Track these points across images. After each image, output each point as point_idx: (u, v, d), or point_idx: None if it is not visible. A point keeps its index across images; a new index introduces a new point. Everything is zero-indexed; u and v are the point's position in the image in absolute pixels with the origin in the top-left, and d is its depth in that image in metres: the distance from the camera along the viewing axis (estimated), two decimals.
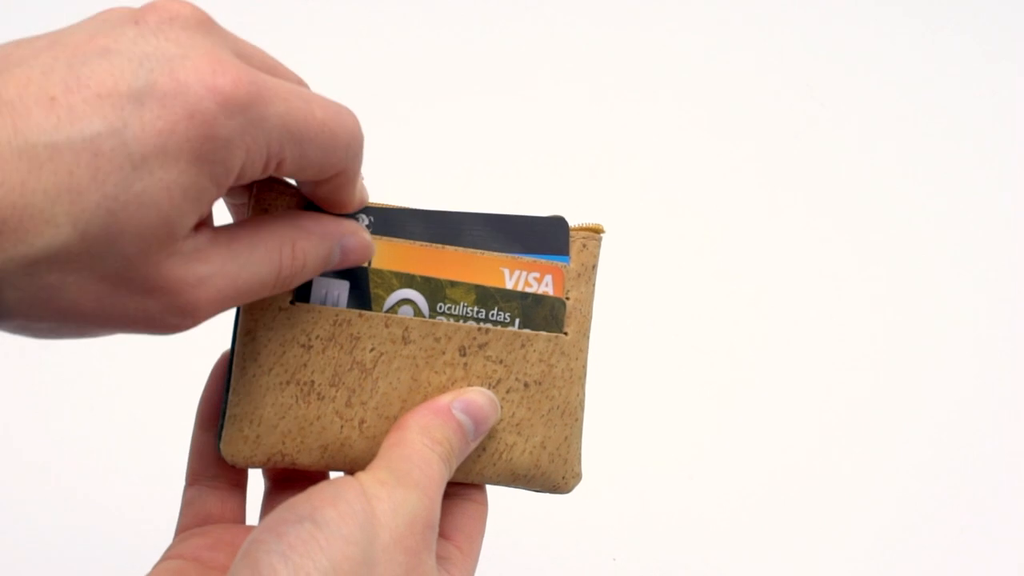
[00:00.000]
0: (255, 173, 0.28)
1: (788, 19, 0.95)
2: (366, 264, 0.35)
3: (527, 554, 0.65)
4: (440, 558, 0.35)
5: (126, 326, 0.27)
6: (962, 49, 0.94)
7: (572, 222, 0.40)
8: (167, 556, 0.35)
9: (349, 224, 0.34)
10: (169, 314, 0.27)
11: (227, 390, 0.35)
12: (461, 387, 0.36)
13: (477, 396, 0.36)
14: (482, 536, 0.39)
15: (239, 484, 0.39)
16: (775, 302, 0.79)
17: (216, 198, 0.27)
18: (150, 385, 0.67)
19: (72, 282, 0.25)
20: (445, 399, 0.35)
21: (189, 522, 0.38)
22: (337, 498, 0.30)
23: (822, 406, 0.74)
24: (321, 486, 0.31)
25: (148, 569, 0.34)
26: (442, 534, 0.36)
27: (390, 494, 0.31)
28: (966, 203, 0.86)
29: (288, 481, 0.40)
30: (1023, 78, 0.93)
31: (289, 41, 0.85)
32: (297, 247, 0.31)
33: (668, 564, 0.65)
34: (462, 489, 0.38)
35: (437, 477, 0.33)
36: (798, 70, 0.92)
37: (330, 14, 0.90)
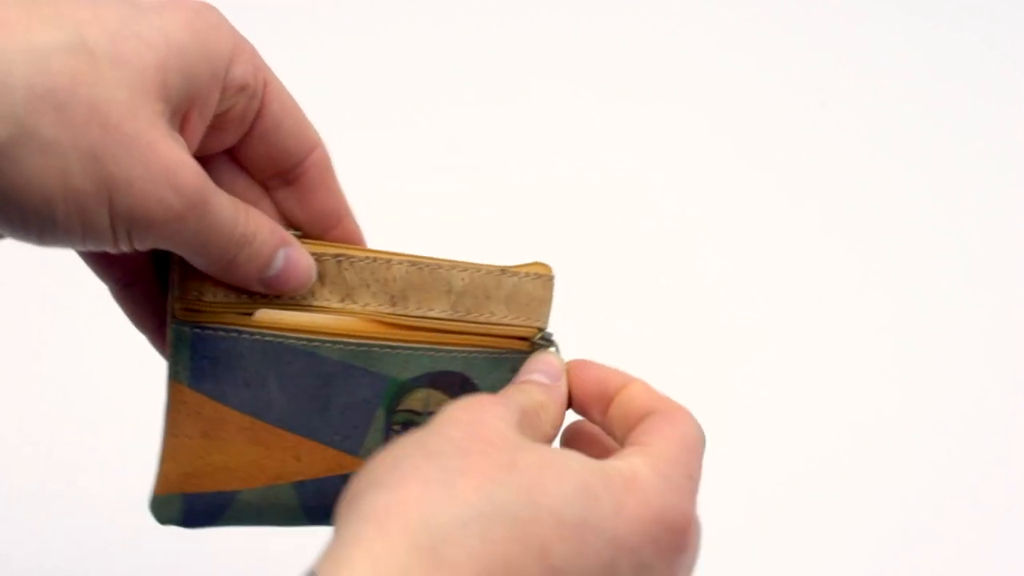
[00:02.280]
0: (245, 79, 0.31)
1: (790, 22, 0.95)
2: (298, 296, 0.34)
3: None
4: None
5: (123, 195, 0.27)
6: (965, 52, 0.94)
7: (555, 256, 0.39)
8: None
9: (291, 236, 0.33)
10: (164, 183, 0.28)
11: None
12: None
13: (540, 360, 0.37)
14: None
15: None
16: (774, 303, 0.79)
17: (207, 92, 0.29)
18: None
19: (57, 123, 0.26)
20: (520, 377, 0.36)
21: None
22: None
23: (822, 407, 0.74)
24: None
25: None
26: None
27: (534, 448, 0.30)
28: (968, 205, 0.86)
29: None
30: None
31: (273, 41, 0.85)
32: (251, 216, 0.32)
33: None
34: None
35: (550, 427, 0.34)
36: (802, 73, 0.92)
37: (320, 14, 0.91)
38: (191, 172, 0.28)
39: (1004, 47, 0.94)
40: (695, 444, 0.33)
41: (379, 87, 0.87)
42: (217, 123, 0.31)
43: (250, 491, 0.34)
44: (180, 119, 0.29)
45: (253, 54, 0.31)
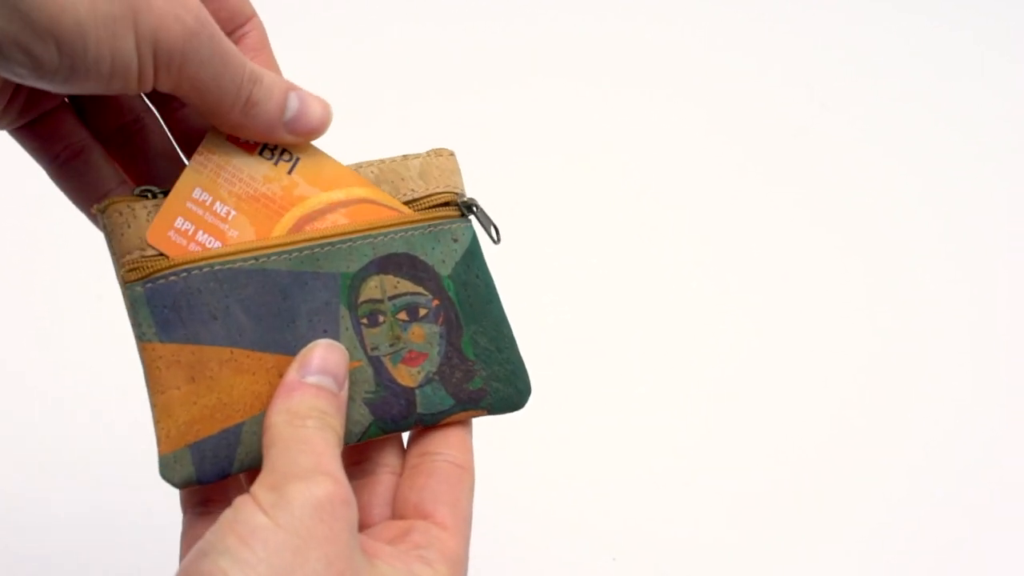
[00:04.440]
0: None
1: (787, 20, 0.95)
2: (290, 171, 0.36)
3: (527, 554, 0.65)
4: (417, 546, 0.33)
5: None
6: (963, 50, 0.94)
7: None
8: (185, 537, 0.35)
9: (304, 88, 0.35)
10: (172, 1, 0.29)
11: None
12: None
13: (317, 350, 0.34)
14: (470, 504, 0.36)
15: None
16: (774, 301, 0.79)
17: None
18: None
19: None
20: (290, 376, 0.34)
21: (184, 552, 0.36)
22: (235, 522, 0.29)
23: (822, 405, 0.74)
24: (223, 514, 0.30)
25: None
26: (417, 514, 0.35)
27: (282, 496, 0.30)
28: (966, 205, 0.86)
29: (206, 508, 0.37)
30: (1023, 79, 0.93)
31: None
32: (249, 66, 0.33)
33: (668, 564, 0.65)
34: (427, 447, 0.37)
35: (323, 449, 0.31)
36: (798, 71, 0.92)
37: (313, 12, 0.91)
38: (196, 19, 0.30)
39: (1004, 47, 0.94)
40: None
41: (376, 84, 0.87)
42: None
43: (253, 419, 0.34)
44: None
45: None
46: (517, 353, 0.39)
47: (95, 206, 0.35)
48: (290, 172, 0.37)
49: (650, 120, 0.88)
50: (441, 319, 0.38)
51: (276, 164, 0.36)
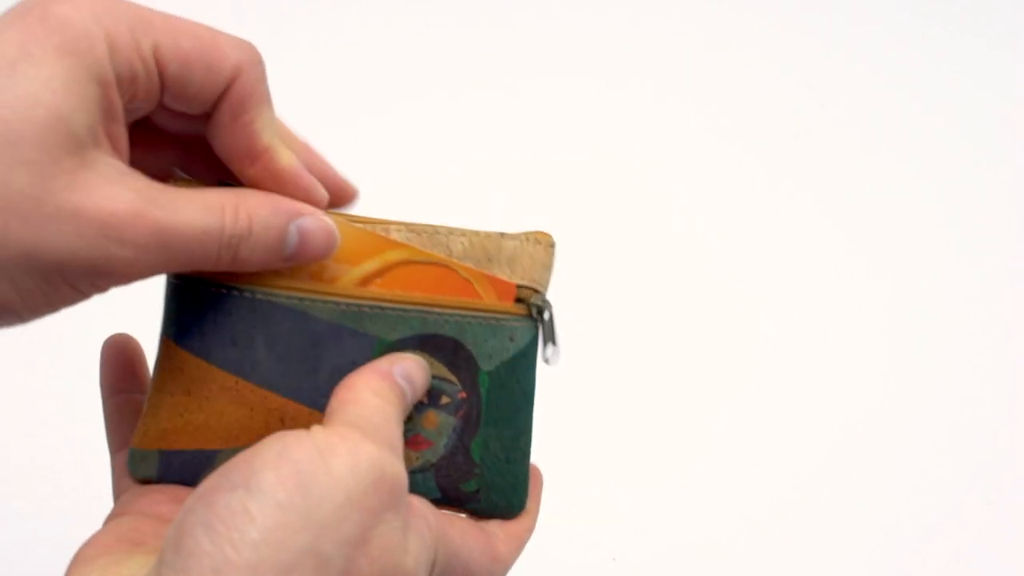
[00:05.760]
0: (134, 67, 0.28)
1: (788, 19, 0.95)
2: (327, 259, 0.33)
3: (526, 553, 0.65)
4: (488, 532, 0.34)
5: (71, 261, 0.26)
6: (963, 49, 0.94)
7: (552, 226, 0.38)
8: (115, 514, 0.33)
9: (305, 206, 0.32)
10: (106, 242, 0.26)
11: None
12: None
13: (411, 362, 0.34)
14: (539, 495, 0.37)
15: None
16: (774, 303, 0.79)
17: (109, 103, 0.27)
18: None
19: None
20: (382, 364, 0.33)
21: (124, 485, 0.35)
22: (280, 459, 0.27)
23: (821, 406, 0.74)
24: (266, 443, 0.28)
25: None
26: None
27: (352, 449, 0.28)
28: (966, 204, 0.86)
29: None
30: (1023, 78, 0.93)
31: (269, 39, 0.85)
32: (242, 208, 0.30)
33: (668, 564, 0.65)
34: None
35: (397, 438, 0.31)
36: (799, 71, 0.92)
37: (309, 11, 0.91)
38: (129, 209, 0.27)
39: (1004, 47, 0.94)
40: None
41: (373, 80, 0.87)
42: (129, 111, 0.30)
43: (231, 451, 0.33)
44: (103, 139, 0.28)
45: (127, 31, 0.28)
46: (525, 468, 0.37)
47: (175, 173, 0.33)
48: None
49: (649, 121, 0.88)
50: (461, 413, 0.36)
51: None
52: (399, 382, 0.33)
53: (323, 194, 0.33)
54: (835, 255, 0.82)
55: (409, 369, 0.34)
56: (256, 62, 0.31)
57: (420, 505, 0.32)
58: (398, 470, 0.29)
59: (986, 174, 0.87)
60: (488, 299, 0.35)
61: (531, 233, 0.36)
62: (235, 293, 0.33)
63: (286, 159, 0.32)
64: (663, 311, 0.77)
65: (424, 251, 0.35)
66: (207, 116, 0.31)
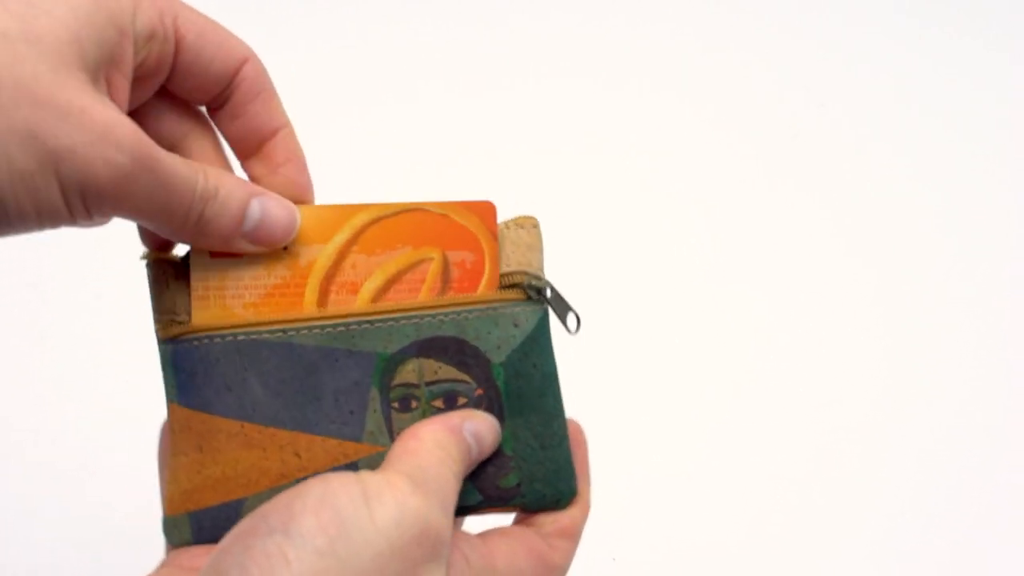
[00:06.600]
0: (154, 26, 0.30)
1: (786, 19, 0.95)
2: (285, 247, 0.34)
3: None
4: (539, 540, 0.35)
5: (64, 152, 0.27)
6: (962, 50, 0.94)
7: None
8: (161, 565, 0.34)
9: (271, 192, 0.33)
10: (104, 144, 0.27)
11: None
12: None
13: (483, 421, 0.34)
14: (587, 470, 0.38)
15: None
16: (774, 303, 0.79)
17: (121, 51, 0.29)
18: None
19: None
20: (455, 419, 0.33)
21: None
22: (323, 504, 0.27)
23: (821, 406, 0.74)
24: (309, 485, 0.28)
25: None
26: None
27: (399, 499, 0.28)
28: (966, 203, 0.86)
29: None
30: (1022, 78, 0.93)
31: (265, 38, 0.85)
32: (212, 175, 0.31)
33: (668, 564, 0.65)
34: None
35: (452, 493, 0.31)
36: (798, 71, 0.92)
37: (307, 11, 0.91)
38: (131, 129, 0.28)
39: (1003, 48, 0.94)
40: None
41: (373, 80, 0.87)
42: (139, 73, 0.31)
43: (256, 496, 0.33)
44: (104, 84, 0.29)
45: None
46: (565, 451, 0.36)
47: (144, 254, 0.34)
48: (285, 248, 0.34)
49: (648, 121, 0.88)
50: (482, 409, 0.35)
51: (269, 250, 0.34)
52: (467, 439, 0.33)
53: (311, 192, 0.35)
54: (834, 255, 0.82)
55: (479, 427, 0.34)
56: (259, 59, 0.33)
57: (464, 546, 0.32)
58: (443, 525, 0.29)
59: (985, 174, 0.87)
60: (471, 224, 0.35)
61: (512, 220, 0.36)
62: (218, 340, 0.33)
63: (295, 141, 0.35)
64: (663, 311, 0.77)
65: (388, 204, 0.35)
66: (215, 109, 0.34)
